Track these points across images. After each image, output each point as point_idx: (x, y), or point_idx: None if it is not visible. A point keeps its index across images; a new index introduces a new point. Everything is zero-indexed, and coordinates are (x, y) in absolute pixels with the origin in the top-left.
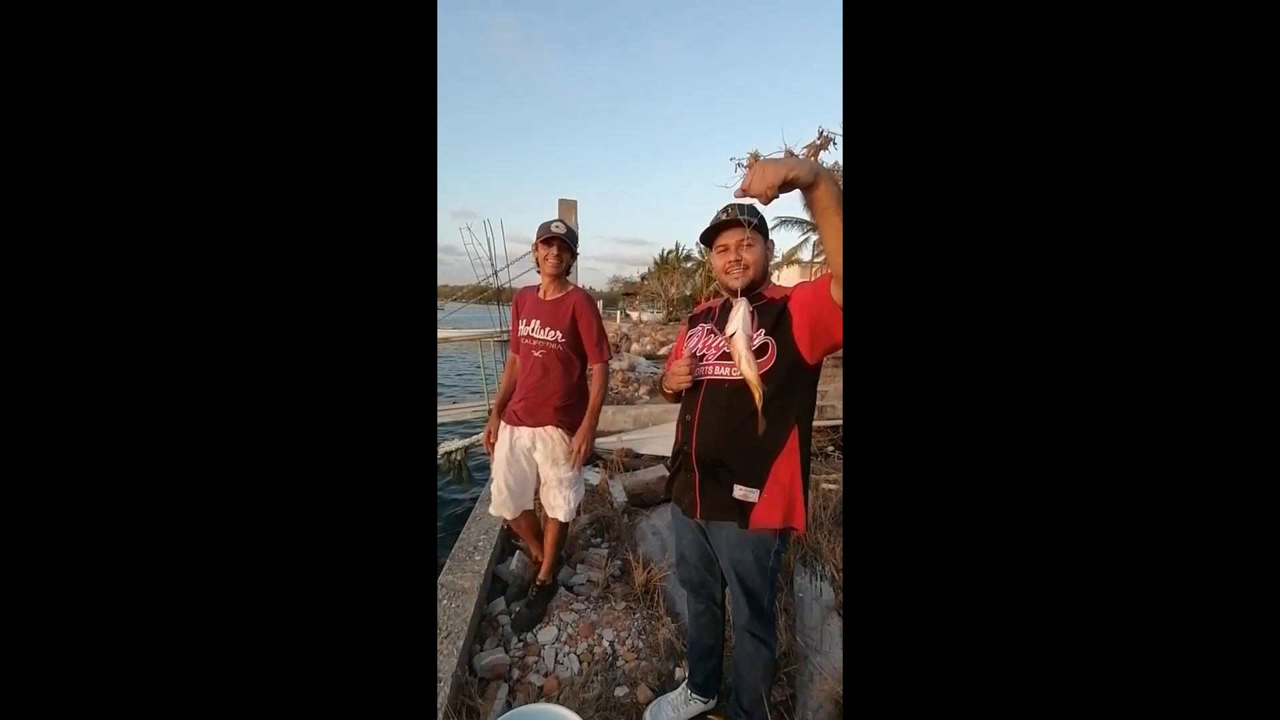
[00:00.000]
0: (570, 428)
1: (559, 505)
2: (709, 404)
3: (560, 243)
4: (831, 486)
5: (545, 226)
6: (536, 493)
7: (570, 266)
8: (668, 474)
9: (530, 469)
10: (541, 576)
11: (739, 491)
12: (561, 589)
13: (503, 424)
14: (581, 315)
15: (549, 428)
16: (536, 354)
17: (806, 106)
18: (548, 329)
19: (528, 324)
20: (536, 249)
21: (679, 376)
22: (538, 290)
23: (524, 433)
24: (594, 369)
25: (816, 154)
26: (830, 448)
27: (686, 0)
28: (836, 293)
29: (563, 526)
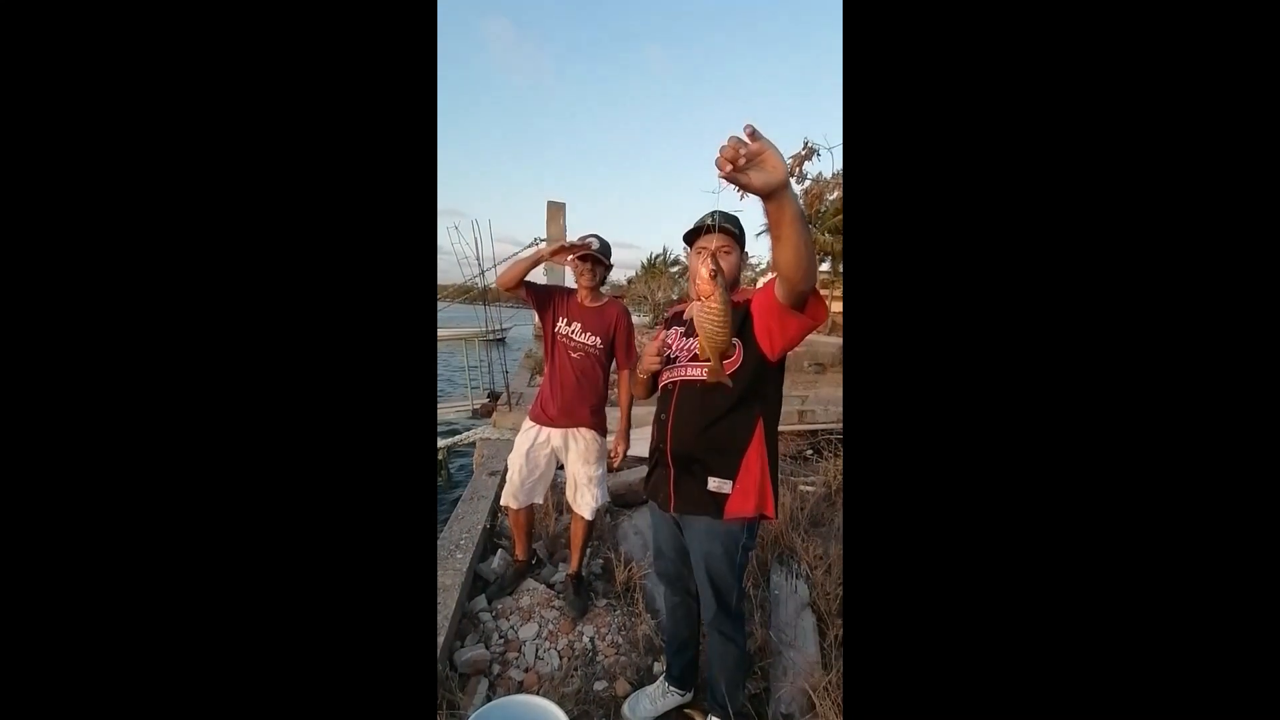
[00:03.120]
0: (599, 429)
1: (586, 504)
2: (683, 404)
3: (593, 258)
4: (808, 489)
5: (581, 243)
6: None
7: (605, 278)
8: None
9: (548, 467)
10: (572, 570)
11: (713, 484)
12: (543, 586)
13: (528, 420)
14: (622, 326)
15: (583, 429)
16: (574, 355)
17: (799, 114)
18: (588, 334)
19: (569, 325)
20: (573, 263)
21: (649, 357)
22: (576, 293)
23: (554, 433)
24: (623, 374)
25: (801, 164)
26: (809, 451)
27: (680, 4)
28: (780, 292)
29: (589, 523)
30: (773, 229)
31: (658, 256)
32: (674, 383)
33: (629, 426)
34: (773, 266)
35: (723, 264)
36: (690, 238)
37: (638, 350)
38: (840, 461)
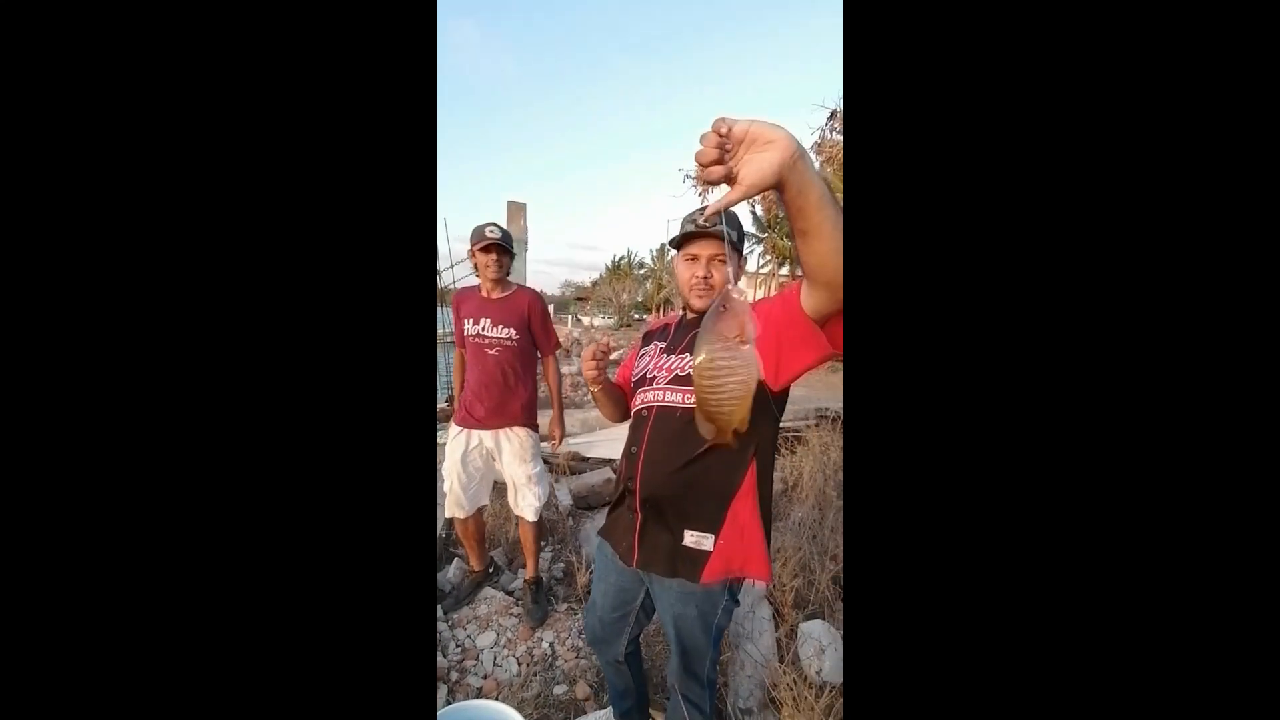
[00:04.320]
0: (532, 424)
1: (529, 505)
2: (658, 435)
3: (498, 248)
4: None
5: (479, 232)
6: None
7: (510, 268)
8: (613, 476)
9: (487, 469)
10: (528, 575)
11: (690, 538)
12: (501, 594)
13: (455, 426)
14: (536, 311)
15: (515, 428)
16: (492, 353)
17: (773, 110)
18: (500, 327)
19: (476, 323)
20: (473, 255)
21: (586, 364)
22: (477, 290)
23: (485, 435)
24: (548, 361)
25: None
26: None
27: (645, 6)
28: (813, 303)
29: (537, 524)
30: (795, 220)
31: (622, 259)
32: (649, 408)
33: (562, 412)
34: (802, 269)
35: (716, 276)
36: (680, 242)
37: (561, 341)
38: (794, 458)
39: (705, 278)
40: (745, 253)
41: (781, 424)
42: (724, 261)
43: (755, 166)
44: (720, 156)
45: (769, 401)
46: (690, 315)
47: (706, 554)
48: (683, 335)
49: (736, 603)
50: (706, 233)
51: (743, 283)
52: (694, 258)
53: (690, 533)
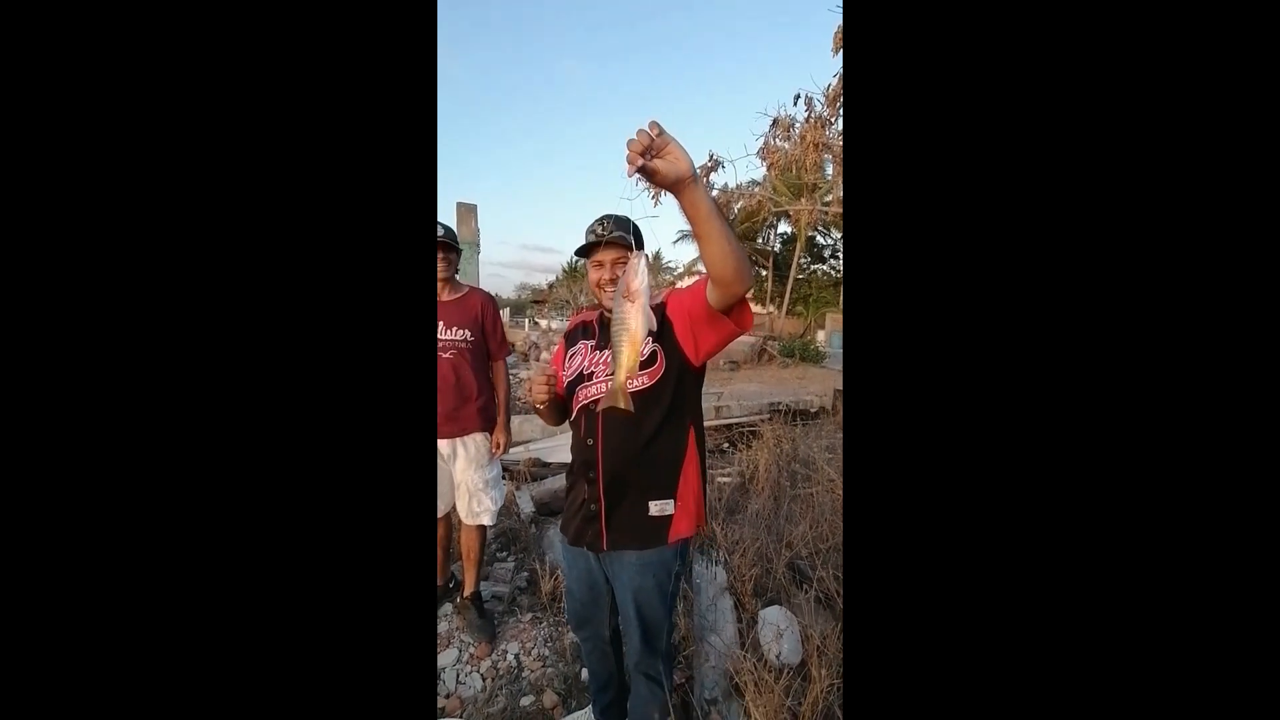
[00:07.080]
0: (489, 428)
1: (485, 510)
2: (611, 424)
3: (443, 246)
4: (725, 479)
5: None
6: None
7: (457, 265)
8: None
9: (445, 477)
10: (467, 591)
11: (655, 508)
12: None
13: None
14: (489, 312)
15: (474, 434)
16: (446, 355)
17: (718, 118)
18: (454, 329)
19: None
20: None
21: (538, 387)
22: None
23: (441, 444)
24: (497, 365)
25: (708, 175)
26: (726, 445)
27: (596, 5)
28: (714, 297)
29: (483, 532)
30: (693, 227)
31: (579, 261)
32: (596, 402)
33: (508, 419)
34: (706, 269)
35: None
36: (585, 251)
37: (520, 350)
38: (750, 452)
39: (612, 280)
40: (650, 254)
41: (739, 420)
42: (627, 264)
43: (667, 166)
44: (646, 150)
45: (693, 376)
46: (608, 314)
47: (670, 518)
48: (608, 331)
49: (685, 566)
50: (607, 241)
51: (693, 280)
52: (600, 264)
53: (654, 503)
